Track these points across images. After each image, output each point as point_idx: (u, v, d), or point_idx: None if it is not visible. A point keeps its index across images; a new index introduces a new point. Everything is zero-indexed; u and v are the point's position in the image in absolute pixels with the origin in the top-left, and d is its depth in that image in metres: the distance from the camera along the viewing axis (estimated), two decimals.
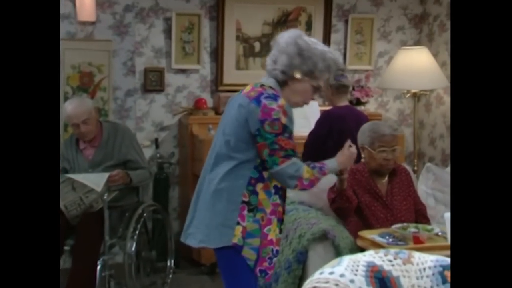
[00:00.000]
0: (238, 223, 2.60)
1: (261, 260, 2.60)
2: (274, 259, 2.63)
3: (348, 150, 2.76)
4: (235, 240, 2.59)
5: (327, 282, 1.17)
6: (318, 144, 4.03)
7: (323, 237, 3.24)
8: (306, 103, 2.71)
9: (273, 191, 2.64)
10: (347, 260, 1.26)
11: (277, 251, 2.65)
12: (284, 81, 2.64)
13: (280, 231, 2.67)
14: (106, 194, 3.80)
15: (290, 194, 3.65)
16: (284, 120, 2.56)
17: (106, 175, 3.78)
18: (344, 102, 4.22)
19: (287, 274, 3.26)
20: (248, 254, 2.60)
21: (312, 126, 4.23)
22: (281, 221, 2.67)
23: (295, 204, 3.63)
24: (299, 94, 2.65)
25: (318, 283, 1.18)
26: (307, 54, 2.61)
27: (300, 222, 3.38)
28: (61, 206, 3.75)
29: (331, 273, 1.19)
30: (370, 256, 1.25)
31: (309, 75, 2.62)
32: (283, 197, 2.70)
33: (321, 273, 1.20)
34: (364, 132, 3.44)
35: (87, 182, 3.76)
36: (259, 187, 2.62)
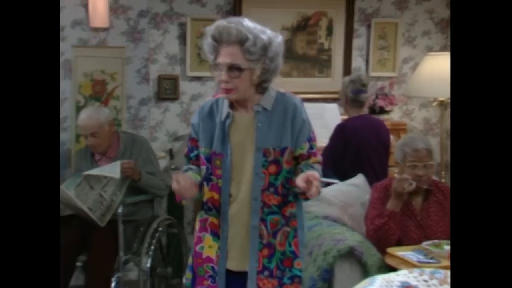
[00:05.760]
0: None
1: (199, 279, 2.65)
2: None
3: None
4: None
5: None
6: (336, 159, 4.08)
7: (350, 254, 3.29)
8: (222, 86, 2.58)
9: (200, 206, 2.68)
10: (380, 280, 1.32)
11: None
12: None
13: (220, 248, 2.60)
14: (121, 208, 3.92)
15: (313, 208, 3.74)
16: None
17: (118, 162, 3.93)
18: (359, 113, 4.30)
19: None
20: (185, 272, 2.76)
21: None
22: (218, 235, 2.61)
23: (319, 219, 3.69)
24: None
25: None
26: None
27: (325, 238, 3.42)
28: (86, 208, 3.87)
29: None
30: (404, 275, 1.31)
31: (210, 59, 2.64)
32: (214, 208, 2.63)
33: None
34: (398, 146, 3.50)
35: (104, 173, 3.90)
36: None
